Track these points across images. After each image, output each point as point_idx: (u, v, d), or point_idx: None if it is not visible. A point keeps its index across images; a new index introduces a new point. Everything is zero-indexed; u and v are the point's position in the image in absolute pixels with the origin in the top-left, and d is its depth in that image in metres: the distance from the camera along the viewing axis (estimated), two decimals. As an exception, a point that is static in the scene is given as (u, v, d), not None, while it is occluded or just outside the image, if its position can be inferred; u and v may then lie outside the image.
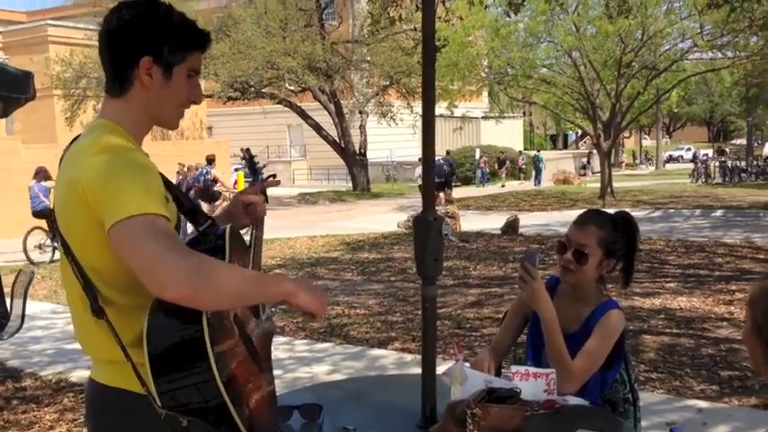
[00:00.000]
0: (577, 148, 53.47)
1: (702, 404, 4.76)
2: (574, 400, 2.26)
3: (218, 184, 15.61)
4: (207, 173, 15.53)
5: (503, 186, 30.74)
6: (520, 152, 35.75)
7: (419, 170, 21.99)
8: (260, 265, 1.96)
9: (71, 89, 23.11)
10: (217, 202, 15.25)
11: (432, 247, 2.02)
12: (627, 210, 2.78)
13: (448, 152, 28.80)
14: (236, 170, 25.06)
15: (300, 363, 6.06)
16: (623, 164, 46.54)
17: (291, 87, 26.77)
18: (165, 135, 28.38)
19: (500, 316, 3.09)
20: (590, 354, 2.36)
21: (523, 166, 34.81)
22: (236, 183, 23.60)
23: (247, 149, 2.26)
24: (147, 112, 1.74)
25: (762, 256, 10.82)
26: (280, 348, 6.48)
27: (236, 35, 23.70)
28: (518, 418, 1.90)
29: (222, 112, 34.82)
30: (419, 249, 2.05)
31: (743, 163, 33.27)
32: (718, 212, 17.89)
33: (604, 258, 2.42)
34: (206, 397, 1.50)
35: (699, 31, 20.50)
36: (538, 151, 36.85)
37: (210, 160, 15.77)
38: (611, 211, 2.63)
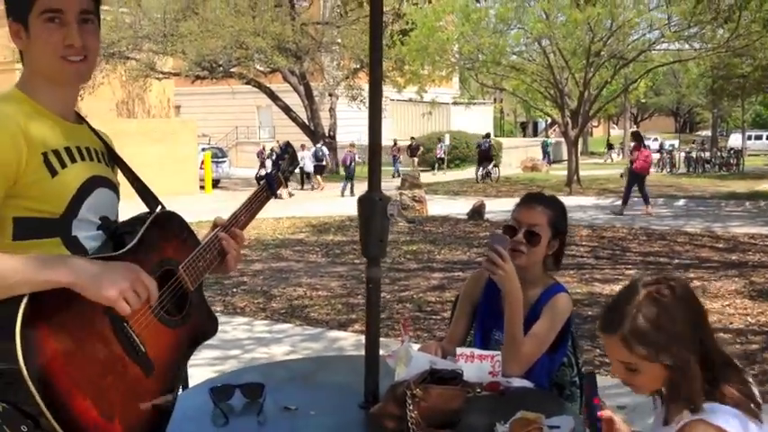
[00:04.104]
0: (547, 135, 53.80)
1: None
2: (518, 383, 2.26)
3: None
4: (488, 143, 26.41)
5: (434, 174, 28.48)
6: (439, 139, 31.39)
7: (303, 153, 22.41)
8: (199, 268, 1.78)
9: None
10: None
11: (376, 228, 2.00)
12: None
13: (487, 134, 29.18)
14: (204, 150, 24.83)
15: (259, 343, 6.03)
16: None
17: (261, 68, 26.49)
18: (131, 113, 27.96)
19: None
20: (538, 337, 2.37)
21: (443, 155, 30.92)
22: (202, 163, 23.41)
23: (287, 143, 2.20)
24: (38, 73, 1.68)
25: (721, 245, 11.01)
26: (239, 328, 6.45)
27: (205, 13, 23.36)
28: (459, 400, 1.89)
29: (191, 92, 34.31)
30: (363, 230, 2.02)
31: (707, 154, 33.77)
32: (681, 202, 18.16)
33: (552, 239, 2.44)
34: (15, 388, 1.37)
35: (666, 21, 20.69)
36: (547, 137, 39.53)
37: (487, 134, 28.69)
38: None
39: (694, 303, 1.65)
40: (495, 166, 26.22)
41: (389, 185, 26.78)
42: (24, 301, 1.40)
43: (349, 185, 21.43)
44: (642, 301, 1.60)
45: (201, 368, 4.84)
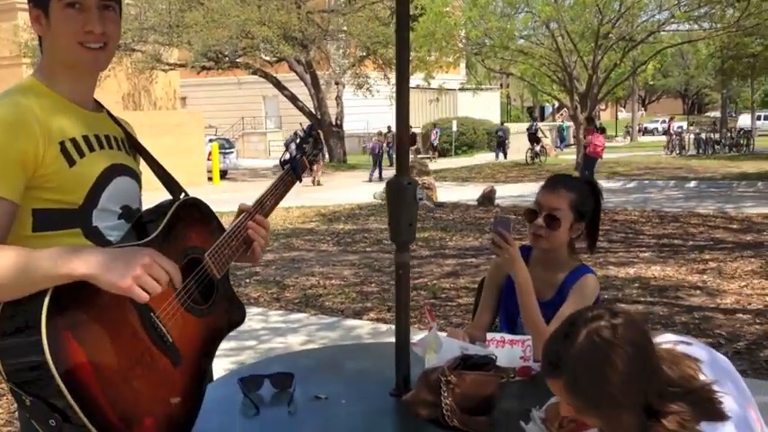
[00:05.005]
0: (554, 120, 53.52)
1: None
2: (550, 367, 2.22)
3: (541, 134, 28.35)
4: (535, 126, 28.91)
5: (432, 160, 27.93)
6: (434, 125, 31.42)
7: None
8: (225, 255, 1.75)
9: (40, 57, 22.70)
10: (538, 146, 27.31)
11: (405, 212, 1.95)
12: (602, 181, 2.76)
13: (535, 118, 31.42)
14: (210, 141, 24.80)
15: (275, 333, 6.01)
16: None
17: (266, 57, 26.38)
18: (137, 105, 27.95)
19: (476, 286, 3.05)
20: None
21: (436, 143, 30.76)
22: (210, 154, 23.40)
23: (311, 125, 2.14)
24: (56, 61, 1.65)
25: (735, 226, 10.94)
26: (254, 319, 6.42)
27: (210, 3, 23.24)
28: (493, 385, 1.86)
29: (196, 83, 34.29)
30: (392, 214, 1.98)
31: (717, 135, 33.53)
32: (692, 184, 18.06)
33: (575, 222, 2.39)
34: (43, 381, 1.34)
35: (676, 2, 20.49)
36: (562, 122, 39.15)
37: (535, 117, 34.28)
38: None
39: (639, 343, 1.45)
40: (543, 147, 27.72)
41: (390, 174, 26.21)
42: (48, 294, 1.37)
43: (376, 171, 22.86)
44: (582, 343, 1.44)
45: (218, 359, 4.81)
